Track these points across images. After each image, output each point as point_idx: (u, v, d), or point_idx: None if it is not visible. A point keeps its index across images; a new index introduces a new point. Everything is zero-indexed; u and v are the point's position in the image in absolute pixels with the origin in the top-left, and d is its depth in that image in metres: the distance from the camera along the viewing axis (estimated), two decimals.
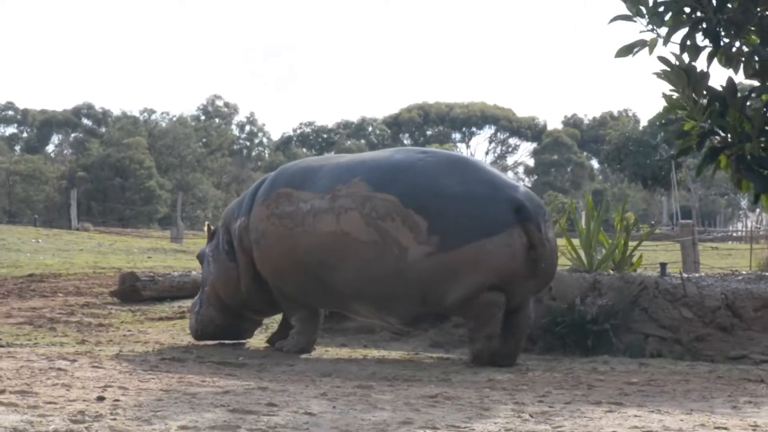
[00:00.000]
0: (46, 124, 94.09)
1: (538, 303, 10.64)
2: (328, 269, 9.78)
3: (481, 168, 9.83)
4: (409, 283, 9.41)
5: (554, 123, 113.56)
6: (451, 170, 9.61)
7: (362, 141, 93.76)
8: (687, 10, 8.68)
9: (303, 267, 9.95)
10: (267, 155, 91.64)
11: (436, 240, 9.28)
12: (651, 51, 8.72)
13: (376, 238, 9.50)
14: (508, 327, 9.51)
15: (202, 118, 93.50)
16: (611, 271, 11.49)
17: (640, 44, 8.75)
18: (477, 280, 9.24)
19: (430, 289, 9.40)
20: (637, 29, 8.73)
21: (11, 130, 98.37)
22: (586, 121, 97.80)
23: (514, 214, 9.27)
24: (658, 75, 8.75)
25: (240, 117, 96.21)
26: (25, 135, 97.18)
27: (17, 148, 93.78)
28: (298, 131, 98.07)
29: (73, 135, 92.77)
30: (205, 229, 11.42)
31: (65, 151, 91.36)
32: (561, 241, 12.36)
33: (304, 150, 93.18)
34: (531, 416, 6.51)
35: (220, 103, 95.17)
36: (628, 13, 8.74)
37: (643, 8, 8.66)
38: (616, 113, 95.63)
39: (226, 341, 10.94)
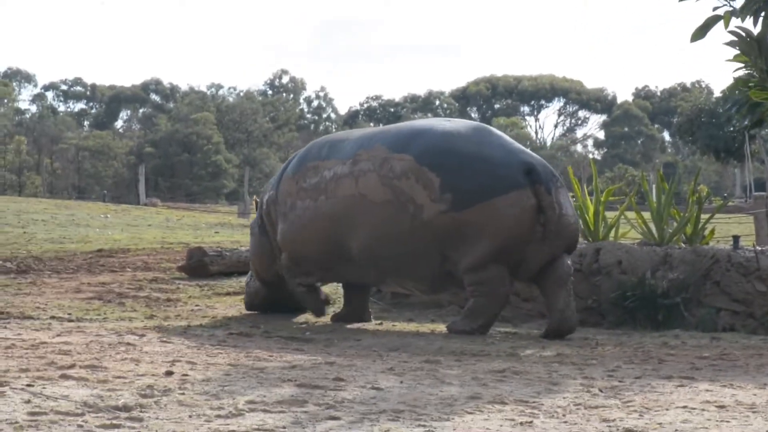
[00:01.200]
0: (115, 99, 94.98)
1: (607, 276, 10.57)
2: (347, 235, 10.02)
3: (498, 135, 10.03)
4: (426, 242, 9.59)
5: (624, 95, 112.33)
6: (468, 134, 9.87)
7: (429, 114, 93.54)
8: None
9: (325, 235, 10.21)
10: (334, 130, 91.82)
11: (449, 197, 9.50)
12: (726, 25, 8.55)
13: (390, 197, 9.74)
14: (549, 281, 9.71)
15: (269, 93, 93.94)
16: (683, 245, 11.34)
17: (714, 21, 8.58)
18: (489, 240, 9.43)
19: (448, 248, 9.57)
20: (709, 6, 8.55)
21: (80, 105, 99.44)
22: (657, 93, 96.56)
23: (525, 176, 9.49)
24: (730, 44, 8.59)
25: (308, 92, 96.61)
26: (93, 111, 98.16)
27: (86, 123, 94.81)
28: (365, 105, 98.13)
29: (141, 110, 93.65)
30: (253, 203, 11.79)
31: (133, 127, 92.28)
32: (631, 215, 12.27)
33: (371, 124, 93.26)
34: (600, 391, 6.49)
35: (286, 78, 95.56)
36: None
37: None
38: (688, 84, 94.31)
39: (294, 315, 11.04)
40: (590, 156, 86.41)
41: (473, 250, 9.46)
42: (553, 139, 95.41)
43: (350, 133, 10.78)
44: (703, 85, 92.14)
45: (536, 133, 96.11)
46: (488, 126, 10.29)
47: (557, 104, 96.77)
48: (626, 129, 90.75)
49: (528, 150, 9.99)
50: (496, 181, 9.46)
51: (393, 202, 9.70)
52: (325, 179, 10.24)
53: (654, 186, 14.08)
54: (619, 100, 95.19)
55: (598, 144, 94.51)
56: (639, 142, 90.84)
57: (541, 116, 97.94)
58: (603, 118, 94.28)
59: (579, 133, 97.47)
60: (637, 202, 12.34)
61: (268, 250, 10.97)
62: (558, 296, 9.63)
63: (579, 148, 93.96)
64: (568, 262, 9.77)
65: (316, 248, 10.34)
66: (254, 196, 11.85)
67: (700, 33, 8.57)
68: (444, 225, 9.49)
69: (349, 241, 10.01)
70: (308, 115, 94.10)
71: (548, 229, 9.46)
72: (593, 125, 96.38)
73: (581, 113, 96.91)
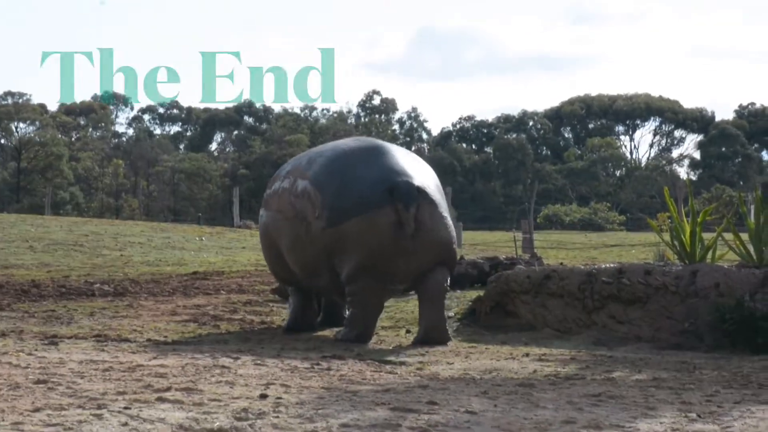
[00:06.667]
0: (210, 122, 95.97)
1: (704, 299, 10.38)
2: (280, 245, 10.97)
3: (387, 155, 10.59)
4: (318, 254, 10.40)
5: (724, 114, 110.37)
6: (360, 154, 10.62)
7: (523, 135, 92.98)
8: None
9: (272, 245, 11.21)
10: (426, 150, 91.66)
11: (326, 215, 10.27)
12: None
13: (293, 213, 10.61)
14: (420, 295, 10.58)
15: (362, 114, 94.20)
16: None
17: None
18: (357, 254, 10.16)
19: (333, 261, 10.36)
20: None
21: (176, 128, 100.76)
22: (759, 107, 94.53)
23: (387, 195, 10.13)
24: None
25: (400, 112, 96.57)
26: (189, 133, 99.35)
27: (181, 146, 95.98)
28: (458, 126, 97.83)
29: (235, 133, 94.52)
30: None
31: (227, 149, 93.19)
32: (729, 236, 12.05)
33: (464, 145, 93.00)
34: (698, 416, 6.40)
35: (377, 99, 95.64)
36: None
37: None
38: None
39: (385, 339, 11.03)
40: (686, 176, 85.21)
41: (347, 262, 10.21)
42: (648, 159, 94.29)
43: (311, 150, 11.67)
44: None
45: (631, 153, 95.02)
46: (388, 145, 10.87)
47: (653, 124, 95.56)
48: (723, 149, 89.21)
49: (408, 168, 10.45)
50: (360, 200, 10.17)
51: (295, 218, 10.60)
52: (269, 193, 11.27)
53: (752, 207, 13.80)
54: (718, 119, 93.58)
55: (694, 164, 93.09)
56: (736, 161, 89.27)
57: (636, 136, 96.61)
58: (699, 138, 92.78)
59: (675, 153, 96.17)
60: (735, 224, 12.13)
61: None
62: (425, 310, 10.46)
63: (674, 167, 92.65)
64: (441, 277, 10.48)
65: (270, 256, 11.47)
66: None
67: None
68: (325, 240, 10.27)
69: (282, 250, 10.94)
70: (401, 136, 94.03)
71: (410, 242, 10.10)
72: (690, 145, 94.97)
73: (677, 133, 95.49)
